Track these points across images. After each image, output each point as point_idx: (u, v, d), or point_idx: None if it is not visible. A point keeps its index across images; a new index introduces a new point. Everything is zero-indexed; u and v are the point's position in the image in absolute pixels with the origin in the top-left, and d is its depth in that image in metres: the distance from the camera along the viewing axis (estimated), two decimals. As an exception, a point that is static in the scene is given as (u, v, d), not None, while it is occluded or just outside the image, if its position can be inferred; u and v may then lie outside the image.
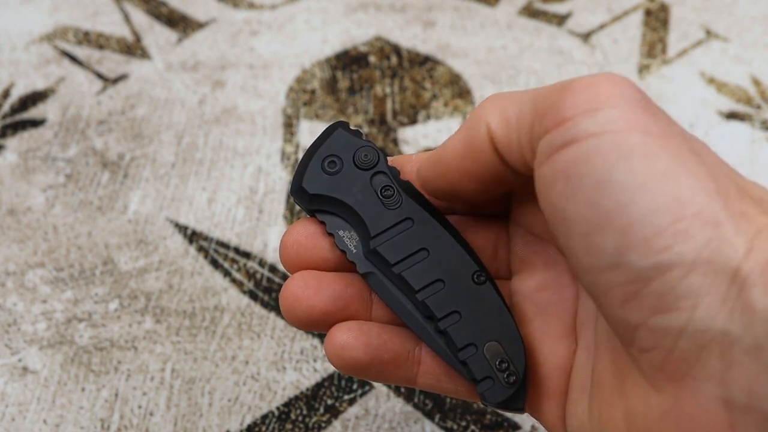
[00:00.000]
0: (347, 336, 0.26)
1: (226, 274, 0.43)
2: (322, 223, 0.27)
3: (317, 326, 0.27)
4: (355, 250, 0.27)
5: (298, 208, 0.46)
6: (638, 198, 0.19)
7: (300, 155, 0.49)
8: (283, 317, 0.41)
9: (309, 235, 0.27)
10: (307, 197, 0.27)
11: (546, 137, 0.21)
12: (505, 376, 0.25)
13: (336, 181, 0.27)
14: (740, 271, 0.19)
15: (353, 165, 0.27)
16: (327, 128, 0.28)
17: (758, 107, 0.51)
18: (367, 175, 0.27)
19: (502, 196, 0.27)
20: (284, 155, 0.49)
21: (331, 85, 0.53)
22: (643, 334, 0.20)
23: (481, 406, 0.38)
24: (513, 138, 0.23)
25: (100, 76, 0.54)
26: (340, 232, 0.27)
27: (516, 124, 0.23)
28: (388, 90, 0.53)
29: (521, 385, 0.25)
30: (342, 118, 0.51)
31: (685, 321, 0.19)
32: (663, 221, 0.19)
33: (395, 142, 0.49)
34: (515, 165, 0.23)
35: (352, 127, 0.28)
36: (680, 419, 0.20)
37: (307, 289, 0.26)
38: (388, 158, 0.28)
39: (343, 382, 0.39)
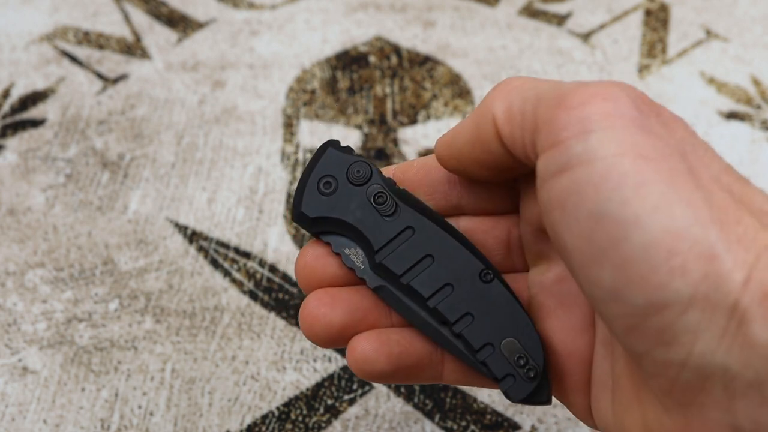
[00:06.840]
0: (368, 348, 0.26)
1: (226, 274, 0.43)
2: (328, 244, 0.27)
3: (338, 341, 0.27)
4: (362, 266, 0.27)
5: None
6: (631, 233, 0.19)
7: (300, 155, 0.49)
8: (282, 317, 0.41)
9: (317, 256, 0.28)
10: (309, 221, 0.27)
11: (542, 158, 0.21)
12: (525, 371, 0.25)
13: (333, 201, 0.27)
14: (738, 305, 0.18)
15: (348, 182, 0.27)
16: (318, 149, 0.28)
17: (758, 107, 0.51)
18: (362, 191, 0.27)
19: (512, 192, 0.27)
20: (284, 155, 0.49)
21: (331, 85, 0.53)
22: (648, 363, 0.20)
23: (481, 406, 0.38)
24: (516, 134, 0.23)
25: (100, 76, 0.54)
26: (346, 251, 0.27)
27: (519, 122, 0.22)
28: (388, 90, 0.53)
29: (542, 379, 0.25)
30: (342, 118, 0.51)
31: (685, 356, 0.19)
32: (657, 258, 0.19)
33: (395, 142, 0.49)
34: (520, 157, 0.23)
35: (342, 145, 0.28)
36: None
37: (323, 307, 0.26)
38: (390, 167, 0.28)
39: (343, 382, 0.39)
